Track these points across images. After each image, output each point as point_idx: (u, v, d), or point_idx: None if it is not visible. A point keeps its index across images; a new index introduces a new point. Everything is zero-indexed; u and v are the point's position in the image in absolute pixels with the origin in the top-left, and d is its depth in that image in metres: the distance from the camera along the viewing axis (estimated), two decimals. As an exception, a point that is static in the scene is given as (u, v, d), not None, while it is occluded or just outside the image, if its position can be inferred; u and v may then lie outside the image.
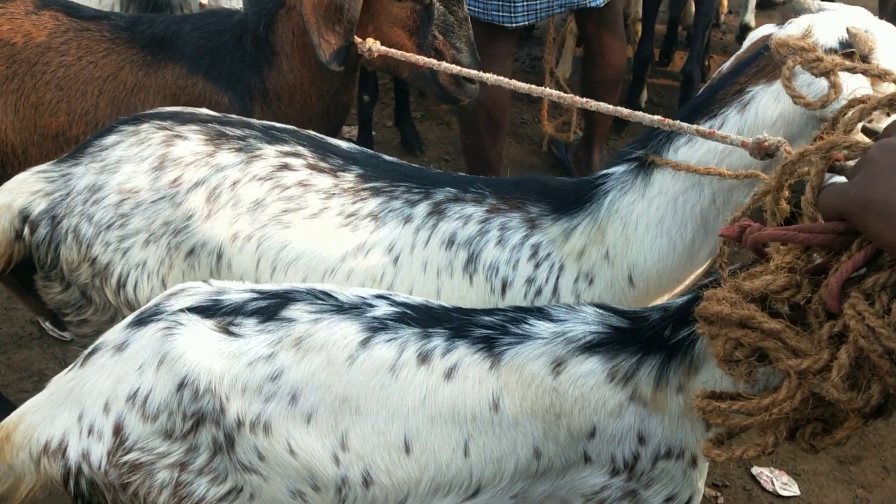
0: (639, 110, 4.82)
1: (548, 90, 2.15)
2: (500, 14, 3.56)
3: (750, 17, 4.57)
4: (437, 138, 4.84)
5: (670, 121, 1.90)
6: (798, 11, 2.01)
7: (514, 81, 2.23)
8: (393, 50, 2.37)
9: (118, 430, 1.66)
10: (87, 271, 2.11)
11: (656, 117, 1.91)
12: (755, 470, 3.17)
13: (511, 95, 3.78)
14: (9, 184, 2.18)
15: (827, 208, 1.16)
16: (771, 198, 1.30)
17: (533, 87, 2.24)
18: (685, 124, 1.88)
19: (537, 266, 2.01)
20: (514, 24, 3.59)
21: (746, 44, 2.06)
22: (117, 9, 3.11)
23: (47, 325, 3.53)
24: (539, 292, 2.01)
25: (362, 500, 1.70)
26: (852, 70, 1.42)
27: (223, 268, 2.03)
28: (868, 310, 1.06)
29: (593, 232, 2.03)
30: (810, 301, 1.17)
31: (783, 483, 3.13)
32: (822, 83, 1.64)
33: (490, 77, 2.25)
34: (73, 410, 1.69)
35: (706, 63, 5.05)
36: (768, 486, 3.13)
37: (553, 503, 1.79)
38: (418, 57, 2.34)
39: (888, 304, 1.06)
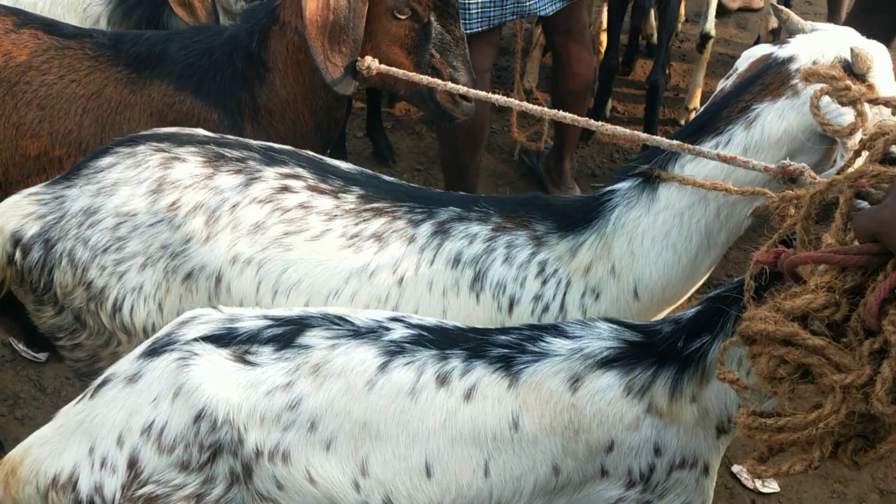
0: (604, 119, 4.89)
1: (539, 108, 2.17)
2: (491, 19, 3.53)
3: (710, 26, 4.64)
4: (409, 148, 4.82)
5: (690, 146, 1.93)
6: (792, 32, 2.07)
7: (511, 100, 2.24)
8: (393, 68, 2.37)
9: (133, 464, 1.63)
10: (82, 295, 2.07)
11: (675, 142, 1.94)
12: (735, 468, 3.21)
13: (490, 109, 3.78)
14: (0, 206, 2.13)
15: (860, 231, 1.20)
16: (801, 226, 1.34)
17: (526, 104, 2.28)
18: (707, 150, 1.92)
19: (545, 283, 2.01)
20: (468, 31, 3.56)
21: (743, 63, 2.10)
22: (103, 25, 3.04)
23: (20, 346, 3.46)
24: (546, 309, 2.02)
25: None
26: (876, 102, 1.46)
27: (222, 291, 2.00)
28: None
29: (600, 247, 2.04)
30: (848, 319, 1.21)
31: (763, 480, 3.19)
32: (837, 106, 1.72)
33: (490, 96, 2.26)
34: (84, 443, 1.66)
35: (667, 72, 5.11)
36: (749, 484, 3.18)
37: None
38: (419, 76, 2.34)
39: None
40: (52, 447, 1.69)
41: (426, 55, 2.46)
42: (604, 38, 4.78)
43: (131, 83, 2.54)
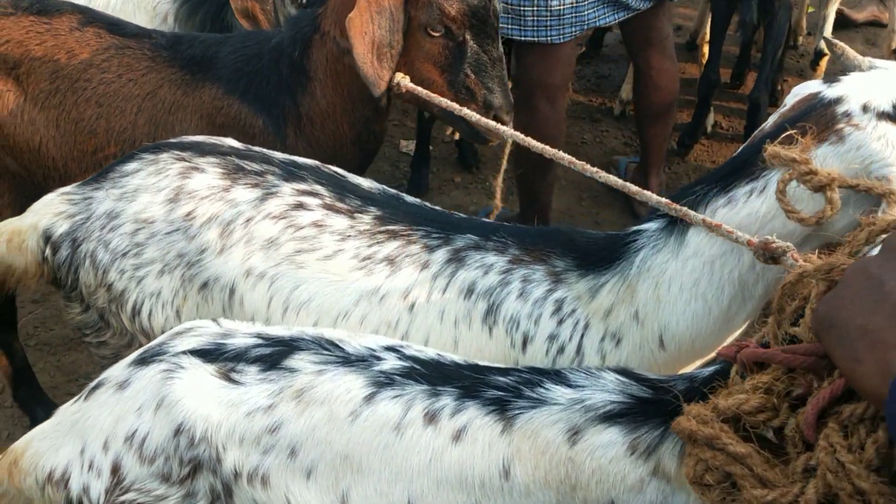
0: (705, 135, 4.67)
1: (560, 153, 2.10)
2: (549, 30, 3.43)
3: (823, 44, 4.37)
4: (494, 155, 4.75)
5: (678, 206, 1.82)
6: (847, 69, 1.88)
7: (529, 140, 2.21)
8: (419, 88, 2.32)
9: (116, 470, 1.63)
10: (104, 296, 2.10)
11: (664, 200, 1.83)
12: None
13: (567, 120, 3.66)
14: (36, 204, 2.18)
15: (812, 329, 1.04)
16: (773, 319, 1.22)
17: (548, 148, 2.22)
18: (692, 213, 1.80)
19: (561, 322, 1.91)
20: (562, 39, 3.45)
21: (790, 100, 1.93)
22: (171, 24, 3.09)
23: None
24: (562, 350, 1.92)
25: None
26: (854, 187, 1.29)
27: (235, 304, 1.99)
28: (841, 443, 0.96)
29: (622, 290, 1.92)
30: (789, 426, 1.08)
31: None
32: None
33: (507, 131, 2.24)
34: (77, 443, 1.68)
35: (779, 88, 4.85)
36: None
37: None
38: (439, 98, 2.28)
39: (864, 439, 0.95)
40: (49, 443, 1.71)
41: (460, 74, 2.41)
42: (706, 49, 4.57)
43: (185, 85, 2.58)
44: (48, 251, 2.11)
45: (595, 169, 2.02)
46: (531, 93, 3.51)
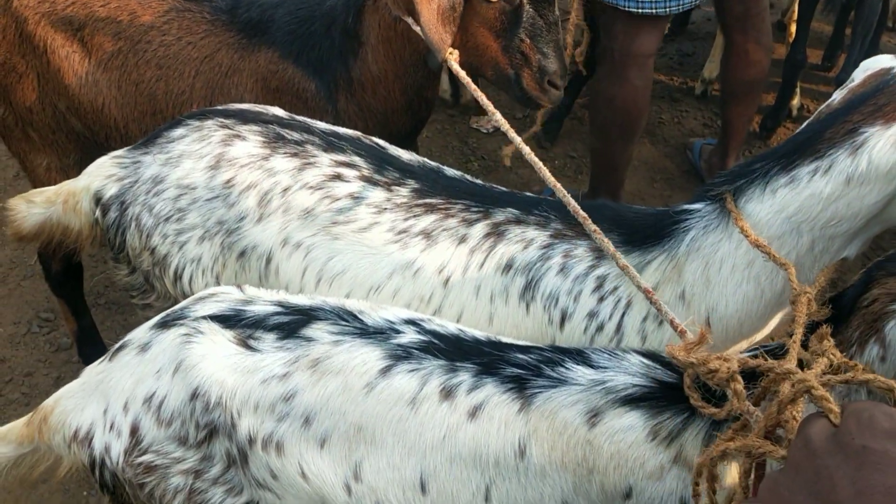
0: (790, 118, 4.48)
1: (549, 177, 1.94)
2: (654, 3, 3.28)
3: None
4: (566, 132, 4.65)
5: (628, 266, 1.76)
6: None
7: (518, 142, 2.05)
8: (462, 72, 2.23)
9: (134, 431, 1.65)
10: (148, 260, 2.12)
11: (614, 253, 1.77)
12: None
13: (650, 97, 3.54)
14: (91, 167, 2.21)
15: None
16: (706, 488, 1.26)
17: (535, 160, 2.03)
18: (636, 276, 1.74)
19: (601, 300, 1.85)
20: (667, 11, 3.32)
21: (858, 74, 1.81)
22: None
23: None
24: (601, 328, 1.86)
25: None
26: (756, 370, 1.29)
27: (271, 273, 1.98)
28: None
29: (669, 269, 1.85)
30: None
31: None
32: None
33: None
34: (100, 403, 1.70)
35: (868, 72, 4.60)
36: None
37: None
38: (475, 89, 2.18)
39: None
40: (76, 402, 1.74)
41: (515, 39, 2.35)
42: (793, 29, 4.37)
43: (241, 48, 2.58)
44: (98, 213, 2.14)
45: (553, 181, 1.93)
46: (623, 62, 3.41)
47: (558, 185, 1.91)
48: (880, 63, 1.78)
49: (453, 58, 2.30)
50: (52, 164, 2.85)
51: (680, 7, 3.31)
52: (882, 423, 0.88)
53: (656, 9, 3.28)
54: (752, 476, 1.21)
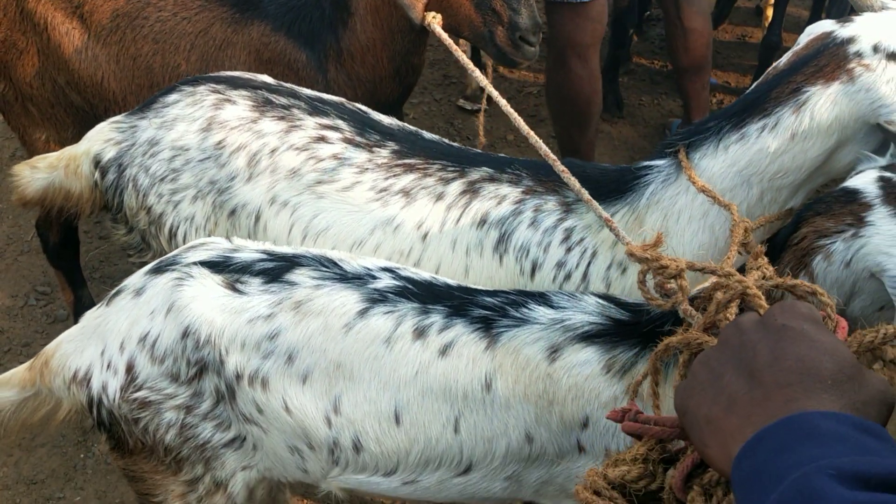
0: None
1: (535, 138, 2.08)
2: None
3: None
4: (548, 115, 4.77)
5: (591, 199, 1.88)
6: (860, 8, 1.89)
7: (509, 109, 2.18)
8: (444, 35, 2.35)
9: (130, 368, 1.76)
10: (145, 219, 2.24)
11: (584, 193, 1.89)
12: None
13: (598, 86, 3.64)
14: (91, 132, 2.33)
15: (675, 405, 1.14)
16: (650, 380, 1.36)
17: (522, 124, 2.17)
18: (597, 207, 1.87)
19: (569, 250, 1.97)
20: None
21: (803, 38, 1.94)
22: None
23: None
24: (568, 277, 1.98)
25: (353, 464, 1.75)
26: (701, 270, 1.41)
27: (259, 230, 2.10)
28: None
29: (630, 221, 1.98)
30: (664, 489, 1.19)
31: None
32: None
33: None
34: (98, 345, 1.81)
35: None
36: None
37: (551, 489, 1.78)
38: (458, 52, 2.30)
39: (721, 499, 1.06)
40: (75, 345, 1.85)
41: None
42: (770, 13, 4.49)
43: (234, 22, 2.69)
44: (98, 175, 2.26)
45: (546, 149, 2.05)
46: (562, 52, 3.52)
47: (532, 133, 2.04)
48: (823, 27, 1.91)
49: (436, 21, 2.41)
50: (50, 138, 2.96)
51: None
52: (801, 308, 1.03)
53: None
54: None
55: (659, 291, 1.48)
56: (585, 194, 1.88)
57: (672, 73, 5.08)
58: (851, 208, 1.58)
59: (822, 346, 0.95)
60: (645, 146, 4.51)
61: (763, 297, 1.24)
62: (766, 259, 1.44)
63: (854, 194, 1.60)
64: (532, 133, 2.03)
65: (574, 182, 1.90)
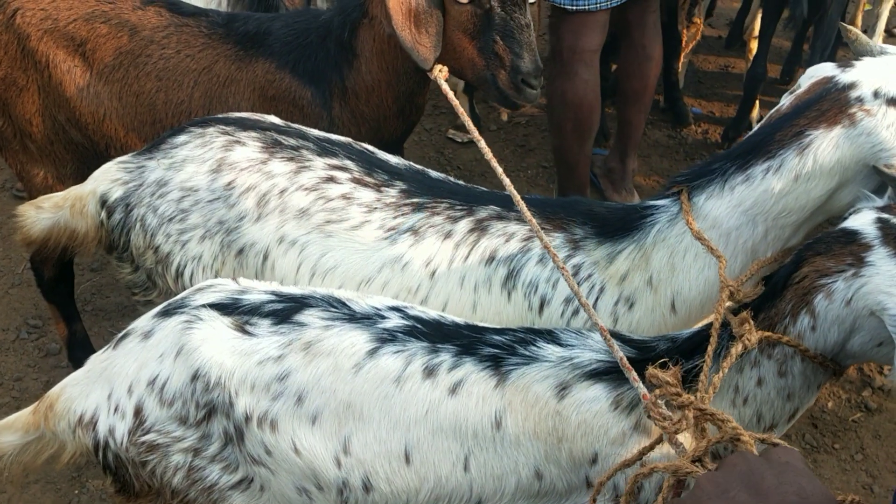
0: (748, 129, 4.67)
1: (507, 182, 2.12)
2: None
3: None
4: (539, 143, 4.81)
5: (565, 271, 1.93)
6: (859, 53, 1.95)
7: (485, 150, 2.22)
8: (446, 87, 2.40)
9: (138, 412, 1.77)
10: (152, 258, 2.24)
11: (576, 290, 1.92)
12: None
13: (599, 93, 3.71)
14: (96, 172, 2.34)
15: None
16: (624, 500, 1.56)
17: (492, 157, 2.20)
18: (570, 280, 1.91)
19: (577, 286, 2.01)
20: (598, 7, 3.52)
21: (804, 81, 2.00)
22: (223, 6, 3.26)
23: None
24: (577, 312, 2.01)
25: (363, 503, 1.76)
26: (706, 415, 1.54)
27: (267, 269, 2.11)
28: None
29: (638, 258, 2.02)
30: None
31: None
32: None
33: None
34: (105, 388, 1.81)
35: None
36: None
37: None
38: (457, 106, 2.37)
39: None
40: (81, 389, 1.85)
41: (489, 41, 2.49)
42: (754, 45, 4.57)
43: (238, 60, 2.71)
44: (104, 215, 2.27)
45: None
46: (569, 59, 3.59)
47: (508, 178, 2.10)
48: (824, 71, 1.97)
49: (443, 75, 2.46)
50: (49, 174, 2.96)
51: (609, 4, 3.50)
52: (798, 455, 1.28)
53: (588, 5, 3.49)
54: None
55: (651, 410, 1.58)
56: (552, 250, 1.94)
57: (656, 104, 5.16)
58: (851, 249, 1.62)
59: (816, 484, 1.20)
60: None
61: (753, 445, 1.44)
62: (751, 324, 1.61)
63: (854, 235, 1.64)
64: (505, 178, 2.10)
65: (542, 236, 1.95)
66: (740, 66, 5.34)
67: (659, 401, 1.55)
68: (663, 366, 1.60)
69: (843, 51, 5.40)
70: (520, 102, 2.59)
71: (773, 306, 1.68)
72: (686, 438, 1.61)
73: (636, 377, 1.63)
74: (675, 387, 1.52)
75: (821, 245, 1.66)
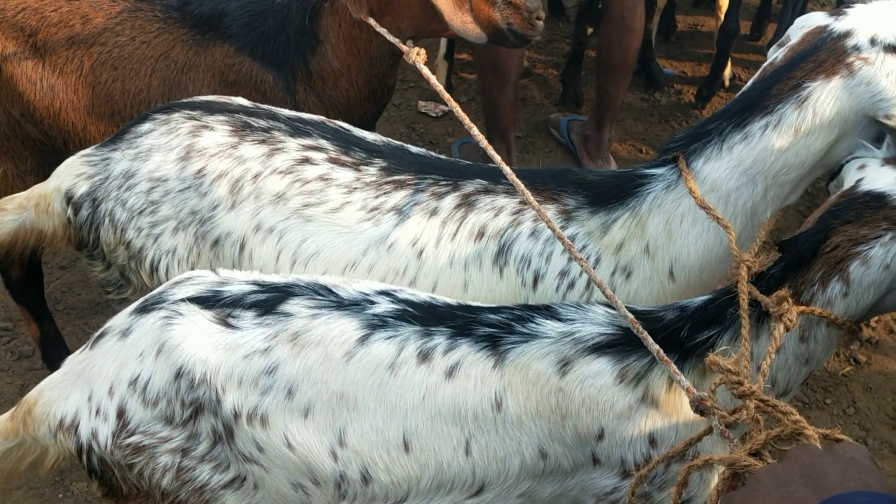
0: (723, 88, 4.63)
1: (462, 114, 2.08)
2: None
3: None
4: (469, 87, 4.75)
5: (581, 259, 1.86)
6: (851, 0, 1.89)
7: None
8: (426, 70, 2.31)
9: (121, 414, 1.69)
10: (124, 254, 2.15)
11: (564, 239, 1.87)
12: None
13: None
14: (59, 168, 2.23)
15: None
16: (676, 490, 1.46)
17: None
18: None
19: (572, 258, 1.93)
20: None
21: (796, 32, 1.94)
22: None
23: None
24: (572, 285, 1.95)
25: (362, 496, 1.69)
26: (767, 405, 1.46)
27: (245, 259, 2.03)
28: None
29: (633, 225, 1.96)
30: None
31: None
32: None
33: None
34: (84, 390, 1.74)
35: (798, 39, 4.76)
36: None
37: (564, 502, 1.74)
38: (440, 89, 2.28)
39: None
40: (59, 391, 1.77)
41: None
42: (724, 2, 4.51)
43: (196, 44, 2.60)
44: (70, 212, 2.17)
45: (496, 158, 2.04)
46: None
47: (490, 148, 2.02)
48: (815, 20, 1.91)
49: (420, 58, 2.37)
50: (8, 172, 2.84)
51: None
52: (865, 451, 1.19)
53: None
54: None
55: (694, 406, 1.52)
56: (553, 225, 1.86)
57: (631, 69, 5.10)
58: (885, 213, 1.59)
59: (886, 483, 1.12)
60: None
61: (818, 440, 1.35)
62: (790, 302, 1.56)
63: (882, 198, 1.61)
64: (490, 149, 2.02)
65: (534, 203, 1.87)
66: (710, 24, 5.28)
67: (717, 389, 1.48)
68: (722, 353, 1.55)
69: (812, 3, 5.38)
70: (536, 36, 2.58)
71: (800, 276, 1.63)
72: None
73: (676, 370, 1.57)
74: (737, 375, 1.45)
75: (849, 212, 1.62)
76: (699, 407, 1.50)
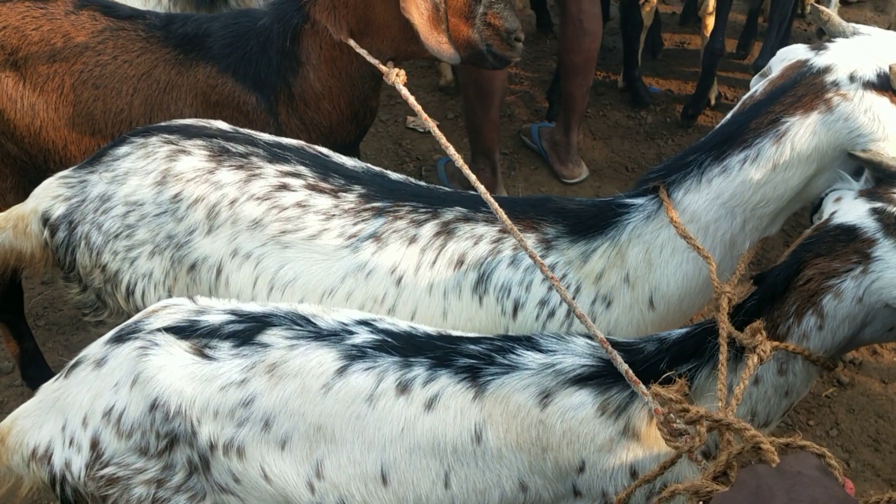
0: (709, 106, 4.64)
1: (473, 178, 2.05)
2: None
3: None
4: (457, 116, 4.75)
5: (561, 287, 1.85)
6: (832, 34, 1.89)
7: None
8: (405, 91, 2.31)
9: (95, 445, 1.67)
10: (100, 277, 2.13)
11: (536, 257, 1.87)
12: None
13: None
14: (37, 189, 2.21)
15: None
16: None
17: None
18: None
19: (552, 287, 1.92)
20: None
21: (776, 64, 1.94)
22: (168, 6, 3.13)
23: None
24: (552, 314, 1.94)
25: None
26: (716, 425, 1.48)
27: (221, 284, 2.01)
28: None
29: (613, 255, 1.95)
30: None
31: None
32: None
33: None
34: (58, 420, 1.71)
35: (782, 58, 4.78)
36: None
37: None
38: (419, 109, 2.28)
39: None
40: (33, 420, 1.75)
41: (480, 16, 2.48)
42: (710, 21, 4.53)
43: (178, 64, 2.58)
44: (47, 234, 2.15)
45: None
46: None
47: (470, 174, 2.02)
48: (796, 53, 1.91)
49: (400, 79, 2.37)
50: (-13, 189, 2.83)
51: None
52: (813, 460, 1.17)
53: None
54: None
55: (663, 429, 1.50)
56: (531, 251, 1.86)
57: (613, 83, 5.12)
58: (855, 246, 1.58)
59: (834, 493, 1.08)
60: (594, 157, 4.56)
61: (776, 452, 1.34)
62: (764, 335, 1.56)
63: (853, 231, 1.60)
64: (470, 174, 2.02)
65: (521, 239, 1.87)
66: (696, 42, 5.30)
67: (672, 416, 1.48)
68: (666, 380, 1.54)
69: (798, 22, 5.41)
70: (515, 57, 2.60)
71: (775, 309, 1.63)
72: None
73: (645, 390, 1.56)
74: (681, 402, 1.45)
75: (820, 245, 1.61)
76: (667, 429, 1.50)
